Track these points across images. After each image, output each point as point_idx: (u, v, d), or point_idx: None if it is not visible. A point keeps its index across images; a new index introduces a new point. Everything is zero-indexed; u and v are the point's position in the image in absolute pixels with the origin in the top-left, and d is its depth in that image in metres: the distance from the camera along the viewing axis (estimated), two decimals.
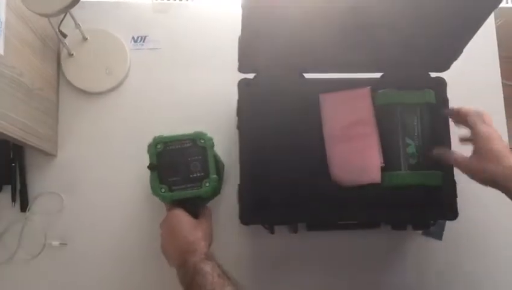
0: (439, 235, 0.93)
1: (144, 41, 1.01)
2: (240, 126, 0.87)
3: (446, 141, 0.85)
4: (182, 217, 0.79)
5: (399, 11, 0.69)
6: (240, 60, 0.81)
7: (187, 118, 0.95)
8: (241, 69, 0.83)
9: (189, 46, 1.01)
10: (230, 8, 1.03)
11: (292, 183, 0.81)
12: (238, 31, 1.01)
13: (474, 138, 0.75)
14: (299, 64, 0.84)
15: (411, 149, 0.82)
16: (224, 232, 0.92)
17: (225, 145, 0.93)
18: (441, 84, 0.87)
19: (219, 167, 0.88)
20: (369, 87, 0.86)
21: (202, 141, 0.83)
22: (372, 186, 0.82)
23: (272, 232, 0.88)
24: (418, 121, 0.83)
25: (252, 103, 0.85)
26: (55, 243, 0.90)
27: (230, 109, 0.95)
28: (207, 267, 0.72)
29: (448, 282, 0.94)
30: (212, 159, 0.83)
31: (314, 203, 0.81)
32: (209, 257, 0.74)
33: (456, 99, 0.86)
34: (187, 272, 0.73)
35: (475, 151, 0.74)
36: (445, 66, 0.85)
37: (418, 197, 0.82)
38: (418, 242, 0.95)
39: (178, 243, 0.77)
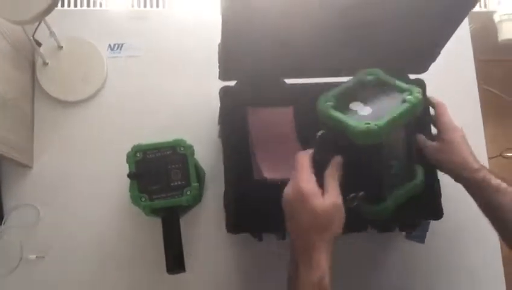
0: (421, 239, 0.93)
1: (121, 49, 1.00)
2: (223, 135, 0.86)
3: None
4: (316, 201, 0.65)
5: (378, 13, 0.69)
6: (220, 67, 0.80)
7: (166, 126, 0.94)
8: (222, 76, 0.82)
9: (168, 54, 1.00)
10: (208, 15, 1.02)
11: (279, 189, 0.80)
12: (217, 37, 1.01)
13: (439, 128, 0.81)
14: (280, 70, 0.84)
15: (396, 169, 0.78)
16: (207, 240, 0.91)
17: (205, 152, 0.92)
18: (421, 85, 0.87)
19: (200, 174, 0.87)
20: (291, 107, 0.86)
21: (182, 149, 0.83)
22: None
23: (260, 239, 0.87)
24: (405, 137, 0.79)
25: (234, 111, 0.84)
26: (32, 256, 0.88)
27: (210, 116, 0.95)
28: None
29: (431, 285, 0.94)
30: (193, 167, 0.82)
31: None
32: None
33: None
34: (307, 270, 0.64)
35: (439, 140, 0.80)
36: (423, 68, 0.86)
37: None
38: (401, 246, 0.95)
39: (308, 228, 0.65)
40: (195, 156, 0.85)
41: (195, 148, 0.84)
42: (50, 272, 0.88)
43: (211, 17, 1.02)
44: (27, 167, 0.91)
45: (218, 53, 0.77)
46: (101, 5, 1.03)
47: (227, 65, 0.79)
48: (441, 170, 0.82)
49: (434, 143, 0.81)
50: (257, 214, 0.80)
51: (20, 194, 0.91)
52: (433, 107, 0.84)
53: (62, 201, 0.91)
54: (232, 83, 0.86)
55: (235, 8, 0.65)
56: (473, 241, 0.97)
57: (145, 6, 1.05)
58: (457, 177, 0.78)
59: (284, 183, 0.78)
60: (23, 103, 0.91)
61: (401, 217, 0.84)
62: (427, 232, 0.93)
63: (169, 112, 0.97)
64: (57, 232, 0.90)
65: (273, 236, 0.89)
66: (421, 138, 0.83)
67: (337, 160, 0.70)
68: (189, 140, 0.84)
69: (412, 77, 0.88)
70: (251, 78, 0.83)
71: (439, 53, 0.82)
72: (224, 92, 0.85)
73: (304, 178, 0.66)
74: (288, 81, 0.88)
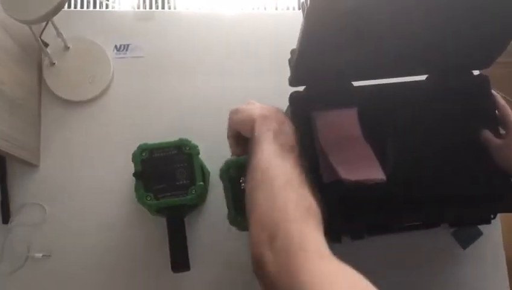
0: (465, 244, 0.91)
1: (127, 50, 1.00)
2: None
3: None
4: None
5: (445, 7, 0.69)
6: (293, 73, 0.79)
7: (172, 126, 0.95)
8: (293, 82, 0.82)
9: (173, 54, 1.01)
10: (212, 15, 1.03)
11: (356, 189, 0.80)
12: (221, 36, 1.02)
13: (506, 128, 0.83)
14: (349, 72, 0.84)
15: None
16: (212, 239, 0.92)
17: (210, 152, 0.92)
18: (485, 81, 0.88)
19: (205, 174, 0.88)
20: (356, 108, 0.87)
21: (187, 148, 0.83)
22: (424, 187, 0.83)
23: (339, 241, 0.85)
24: None
25: (303, 116, 0.84)
26: (38, 255, 0.89)
27: (215, 116, 0.95)
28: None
29: None
30: (198, 167, 0.83)
31: (378, 205, 0.80)
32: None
33: None
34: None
35: (506, 139, 0.82)
36: (487, 63, 0.86)
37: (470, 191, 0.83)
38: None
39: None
40: (200, 156, 0.85)
41: (200, 148, 0.85)
42: (56, 270, 0.89)
43: (216, 17, 1.03)
44: (34, 165, 0.92)
45: (290, 59, 0.77)
46: (107, 6, 1.04)
47: (300, 71, 0.79)
48: (503, 167, 0.82)
49: (499, 141, 0.82)
50: (332, 216, 0.80)
51: (27, 193, 0.92)
52: (498, 108, 0.86)
53: (68, 200, 0.92)
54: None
55: (321, 13, 0.65)
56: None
57: (150, 7, 1.05)
58: None
59: (360, 184, 0.79)
60: (30, 102, 0.91)
61: (475, 210, 0.85)
62: (474, 242, 0.92)
63: (174, 112, 0.97)
64: (63, 231, 0.91)
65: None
66: (487, 134, 0.84)
67: None
68: (194, 140, 0.84)
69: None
70: (320, 82, 0.83)
71: (505, 47, 0.81)
72: (294, 98, 0.85)
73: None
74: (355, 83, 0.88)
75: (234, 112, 0.72)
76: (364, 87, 0.87)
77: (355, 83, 0.87)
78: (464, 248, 0.90)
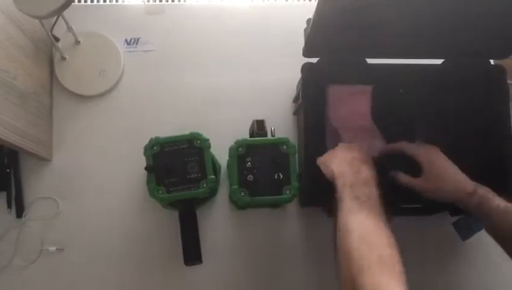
0: (466, 235, 0.88)
1: (137, 44, 1.00)
2: (303, 110, 0.85)
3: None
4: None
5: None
6: (307, 43, 0.79)
7: (183, 120, 0.95)
8: (307, 53, 0.82)
9: (183, 47, 1.01)
10: (222, 7, 1.03)
11: None
12: (231, 28, 1.02)
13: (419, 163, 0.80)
14: (363, 49, 0.84)
15: None
16: (223, 232, 0.92)
17: (221, 146, 0.92)
18: (501, 72, 0.87)
19: (216, 167, 0.88)
20: (371, 86, 0.86)
21: (198, 142, 0.83)
22: None
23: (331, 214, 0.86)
24: None
25: (315, 87, 0.85)
26: (52, 248, 0.89)
27: (225, 110, 0.95)
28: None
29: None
30: (209, 160, 0.83)
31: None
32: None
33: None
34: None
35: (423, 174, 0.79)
36: (505, 54, 0.85)
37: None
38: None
39: None
40: (211, 150, 0.85)
41: (211, 141, 0.85)
42: (69, 264, 0.90)
43: (226, 10, 1.03)
44: (46, 160, 0.93)
45: (306, 29, 0.77)
46: (117, 0, 1.04)
47: (314, 42, 0.78)
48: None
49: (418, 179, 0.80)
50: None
51: (40, 187, 0.92)
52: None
53: (81, 194, 0.93)
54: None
55: None
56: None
57: (160, 0, 1.05)
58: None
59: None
60: (42, 97, 0.92)
61: None
62: (475, 234, 0.87)
63: (185, 106, 0.97)
64: (76, 225, 0.91)
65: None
66: (403, 177, 0.81)
67: None
68: (205, 133, 0.84)
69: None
70: (334, 56, 0.83)
71: None
72: (307, 69, 0.85)
73: None
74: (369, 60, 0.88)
75: (322, 163, 0.77)
76: (378, 65, 0.87)
77: (370, 60, 0.87)
78: (464, 239, 0.89)
